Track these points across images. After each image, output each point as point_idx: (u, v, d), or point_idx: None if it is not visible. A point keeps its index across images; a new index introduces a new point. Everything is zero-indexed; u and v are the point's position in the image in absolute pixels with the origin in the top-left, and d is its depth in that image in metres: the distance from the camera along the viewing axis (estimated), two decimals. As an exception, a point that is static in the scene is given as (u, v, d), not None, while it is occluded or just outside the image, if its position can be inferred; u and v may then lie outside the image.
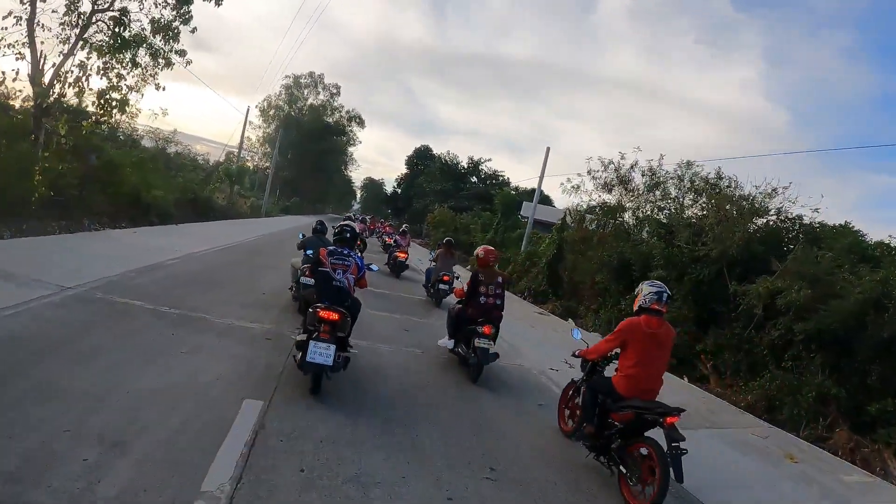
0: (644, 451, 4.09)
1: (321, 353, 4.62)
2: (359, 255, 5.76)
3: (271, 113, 63.72)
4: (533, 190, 54.41)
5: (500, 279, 6.90)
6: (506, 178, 56.11)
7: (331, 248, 5.52)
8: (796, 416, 8.65)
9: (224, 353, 5.38)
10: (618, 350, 4.53)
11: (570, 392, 5.39)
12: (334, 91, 67.68)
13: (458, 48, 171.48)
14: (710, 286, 11.51)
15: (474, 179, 57.30)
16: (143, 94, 18.31)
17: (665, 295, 4.42)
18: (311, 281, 5.84)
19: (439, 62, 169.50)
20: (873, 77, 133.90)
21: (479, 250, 7.16)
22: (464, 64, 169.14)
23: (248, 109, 35.66)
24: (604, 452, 4.46)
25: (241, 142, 34.71)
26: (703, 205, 13.29)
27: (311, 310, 4.94)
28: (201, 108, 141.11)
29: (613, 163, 15.42)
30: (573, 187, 16.31)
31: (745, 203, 11.67)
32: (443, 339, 7.16)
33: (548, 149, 24.17)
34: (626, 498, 4.13)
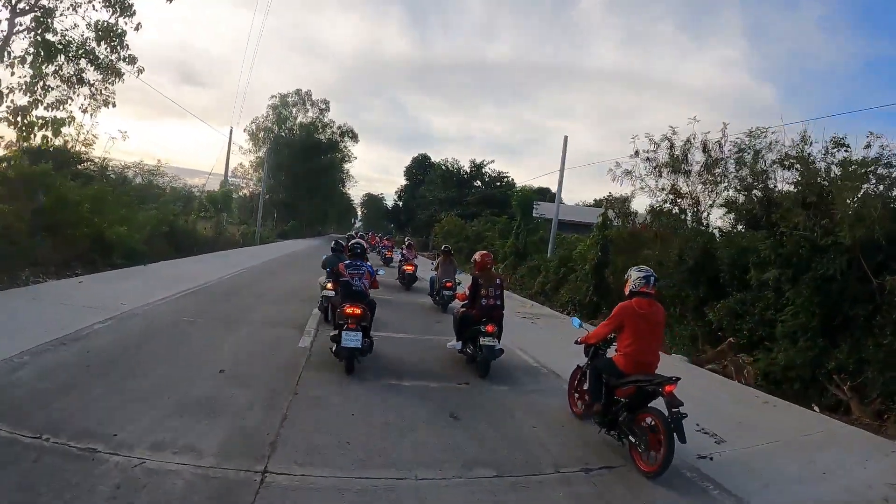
0: (650, 420, 4.38)
1: (351, 338, 5.99)
2: (369, 264, 7.08)
3: (261, 135, 61.13)
4: (542, 189, 51.84)
5: (498, 281, 7.40)
6: (510, 178, 53.32)
7: (347, 261, 6.94)
8: None
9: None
10: (615, 333, 4.95)
11: (578, 377, 5.71)
12: (323, 107, 65.32)
13: (443, 57, 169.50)
14: (840, 283, 8.53)
15: (478, 183, 54.36)
16: (92, 114, 15.76)
17: (652, 279, 4.84)
18: (332, 293, 8.02)
19: (426, 73, 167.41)
20: (853, 44, 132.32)
21: (476, 255, 7.67)
22: (450, 72, 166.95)
23: (230, 130, 32.93)
24: (613, 426, 4.76)
25: (227, 165, 32.02)
26: (797, 179, 10.30)
27: (338, 310, 6.36)
28: (197, 142, 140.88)
29: (668, 139, 12.44)
30: (624, 173, 13.25)
31: (860, 168, 8.70)
32: (451, 342, 7.60)
33: (566, 138, 21.31)
34: (637, 464, 4.40)
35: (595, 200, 72.10)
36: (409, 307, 12.49)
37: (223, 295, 10.84)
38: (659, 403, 4.37)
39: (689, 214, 12.20)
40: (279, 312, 9.43)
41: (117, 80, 15.36)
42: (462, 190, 51.92)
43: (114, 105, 14.83)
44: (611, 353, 5.14)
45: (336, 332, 6.23)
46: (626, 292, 4.93)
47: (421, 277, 16.46)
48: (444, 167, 55.05)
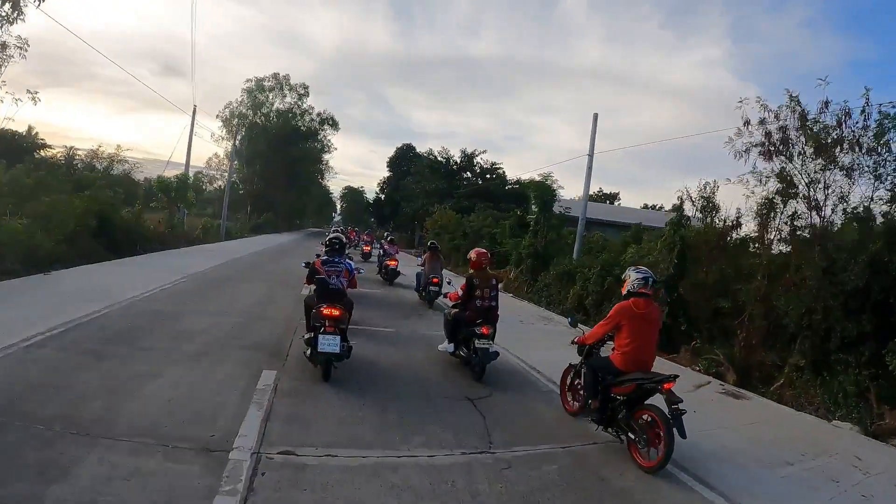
0: (647, 416, 4.48)
1: (329, 343, 5.52)
2: (348, 260, 6.68)
3: (234, 122, 56.26)
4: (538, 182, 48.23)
5: (493, 281, 7.06)
6: (502, 170, 49.39)
7: (324, 257, 6.32)
8: None
9: None
10: (612, 333, 5.02)
11: (570, 375, 5.75)
12: (302, 92, 60.81)
13: (427, 53, 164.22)
14: None
15: (468, 175, 50.28)
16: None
17: (650, 280, 4.92)
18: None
19: (409, 69, 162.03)
20: (836, 46, 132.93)
21: (472, 253, 7.31)
22: (434, 68, 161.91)
23: (193, 108, 28.30)
24: (611, 424, 4.83)
25: (189, 148, 27.26)
26: None
27: (314, 311, 5.83)
28: (182, 135, 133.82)
29: (794, 100, 8.72)
30: (748, 146, 9.32)
31: None
32: (443, 344, 7.26)
33: (595, 115, 17.58)
34: (637, 461, 4.46)
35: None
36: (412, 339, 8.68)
37: (114, 338, 6.43)
38: (656, 400, 4.45)
39: (826, 209, 8.55)
40: (191, 391, 5.03)
41: (15, 15, 11.27)
42: (452, 181, 47.87)
43: (23, 56, 10.81)
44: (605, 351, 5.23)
45: (311, 334, 5.82)
46: (624, 292, 5.01)
47: (404, 273, 16.35)
48: (432, 157, 50.86)
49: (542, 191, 17.97)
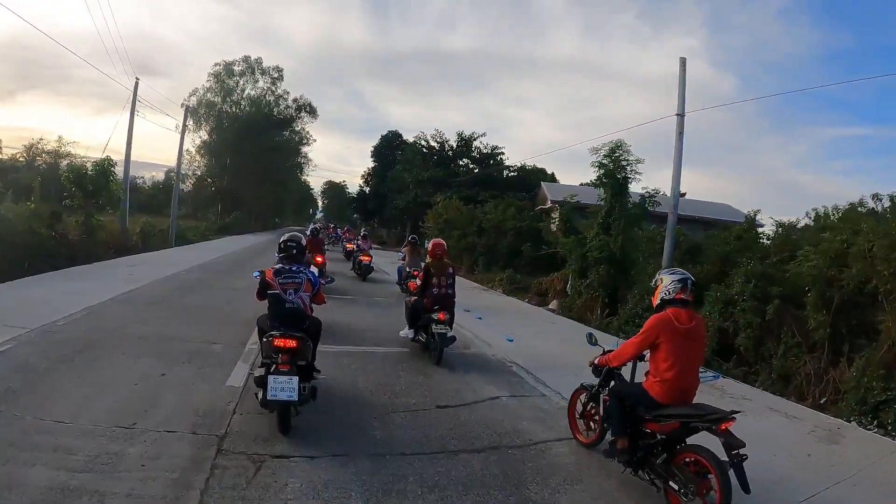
0: (692, 459, 3.50)
1: (283, 387, 4.09)
2: (310, 270, 5.01)
3: (202, 112, 50.05)
4: (539, 170, 42.70)
5: (450, 270, 7.28)
6: (504, 155, 44.04)
7: (278, 266, 4.74)
8: None
9: None
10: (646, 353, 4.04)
11: (583, 398, 4.71)
12: (275, 76, 54.85)
13: (403, 47, 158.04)
14: None
15: (465, 162, 44.81)
16: None
17: (689, 282, 3.90)
18: None
19: (385, 64, 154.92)
20: (812, 34, 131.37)
21: (429, 244, 7.62)
22: (410, 62, 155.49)
23: (136, 82, 22.23)
24: (642, 466, 3.82)
25: (130, 132, 21.31)
26: None
27: (265, 339, 4.44)
28: (160, 137, 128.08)
29: None
30: None
31: None
32: (403, 330, 7.59)
33: (682, 60, 12.38)
34: None
35: (591, 182, 63.85)
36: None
37: None
38: (701, 438, 3.54)
39: None
40: None
41: None
42: (448, 169, 42.43)
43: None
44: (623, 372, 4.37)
45: (262, 371, 4.25)
46: (656, 303, 3.96)
47: (380, 270, 16.64)
48: (424, 142, 45.28)
49: (616, 166, 12.56)
